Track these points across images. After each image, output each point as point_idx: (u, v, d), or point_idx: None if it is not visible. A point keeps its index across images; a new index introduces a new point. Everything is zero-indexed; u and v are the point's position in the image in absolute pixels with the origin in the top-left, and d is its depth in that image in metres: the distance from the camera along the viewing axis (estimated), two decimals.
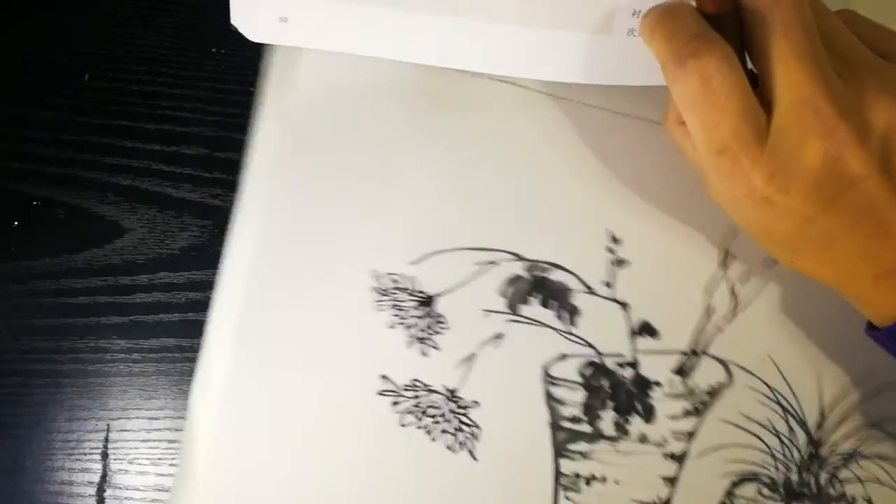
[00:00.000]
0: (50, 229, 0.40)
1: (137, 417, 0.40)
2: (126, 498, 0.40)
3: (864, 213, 0.31)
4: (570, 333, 0.39)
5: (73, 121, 0.41)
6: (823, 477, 0.40)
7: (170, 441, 0.40)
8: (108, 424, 0.40)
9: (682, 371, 0.40)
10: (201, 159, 0.41)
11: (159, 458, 0.40)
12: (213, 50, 0.41)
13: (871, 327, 0.35)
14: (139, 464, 0.40)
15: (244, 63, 0.40)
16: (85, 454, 0.40)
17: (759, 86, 0.31)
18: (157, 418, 0.40)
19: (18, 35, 0.41)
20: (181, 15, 0.42)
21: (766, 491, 0.40)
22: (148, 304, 0.40)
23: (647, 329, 0.40)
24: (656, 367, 0.40)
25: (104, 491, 0.40)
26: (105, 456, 0.40)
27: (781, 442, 0.40)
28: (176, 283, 0.40)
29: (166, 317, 0.40)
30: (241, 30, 0.37)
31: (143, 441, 0.40)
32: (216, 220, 0.40)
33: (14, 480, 0.40)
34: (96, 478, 0.40)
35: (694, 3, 0.32)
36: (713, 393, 0.40)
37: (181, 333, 0.40)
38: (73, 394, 0.40)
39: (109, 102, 0.41)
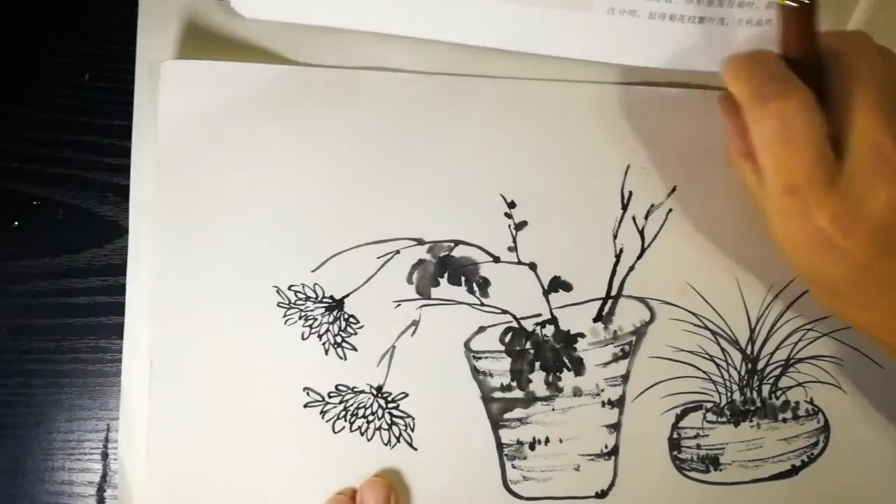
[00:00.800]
0: (50, 229, 0.40)
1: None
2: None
3: None
4: (485, 305, 0.39)
5: (73, 121, 0.40)
6: (766, 390, 0.40)
7: None
8: (108, 424, 0.40)
9: (602, 317, 0.40)
10: None
11: None
12: None
13: None
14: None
15: None
16: (85, 454, 0.40)
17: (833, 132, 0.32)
18: None
19: (18, 35, 0.40)
20: None
21: (711, 416, 0.40)
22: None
23: (559, 284, 0.40)
24: (576, 320, 0.40)
25: (104, 491, 0.40)
26: (105, 456, 0.40)
27: (717, 365, 0.40)
28: None
29: None
30: (236, 8, 0.38)
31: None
32: None
33: (15, 480, 0.40)
34: (96, 478, 0.40)
35: (777, 50, 0.33)
36: (638, 332, 0.40)
37: None
38: (73, 394, 0.40)
39: (109, 102, 0.40)
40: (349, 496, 0.38)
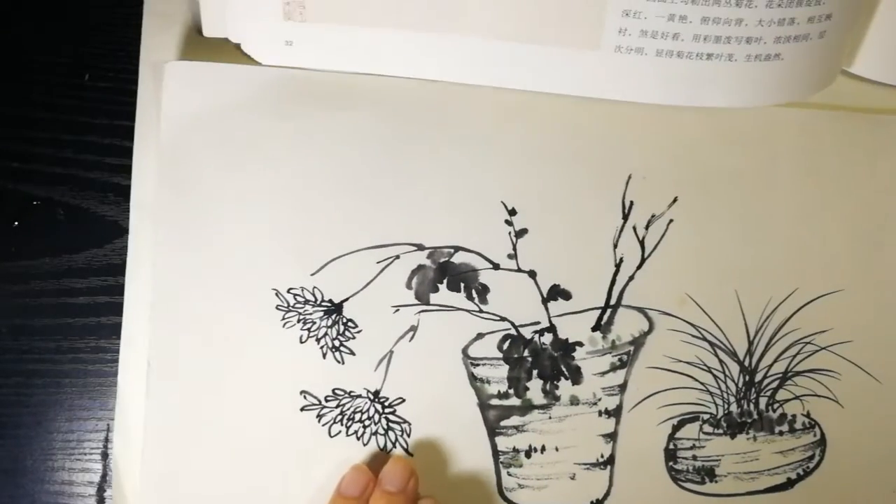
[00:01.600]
0: (50, 229, 0.40)
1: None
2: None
3: None
4: (483, 312, 0.39)
5: (73, 121, 0.40)
6: (763, 402, 0.40)
7: None
8: (107, 424, 0.40)
9: (600, 327, 0.40)
10: None
11: None
12: None
13: None
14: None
15: None
16: (85, 454, 0.40)
17: None
18: None
19: (19, 35, 0.40)
20: None
21: (708, 428, 0.40)
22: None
23: (558, 292, 0.39)
24: (575, 328, 0.40)
25: (104, 491, 0.40)
26: (105, 456, 0.40)
27: (715, 377, 0.40)
28: None
29: None
30: (251, 55, 0.38)
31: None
32: None
33: (14, 480, 0.40)
34: (96, 478, 0.40)
35: None
36: (636, 342, 0.40)
37: None
38: (73, 394, 0.40)
39: (110, 102, 0.40)
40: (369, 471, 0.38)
